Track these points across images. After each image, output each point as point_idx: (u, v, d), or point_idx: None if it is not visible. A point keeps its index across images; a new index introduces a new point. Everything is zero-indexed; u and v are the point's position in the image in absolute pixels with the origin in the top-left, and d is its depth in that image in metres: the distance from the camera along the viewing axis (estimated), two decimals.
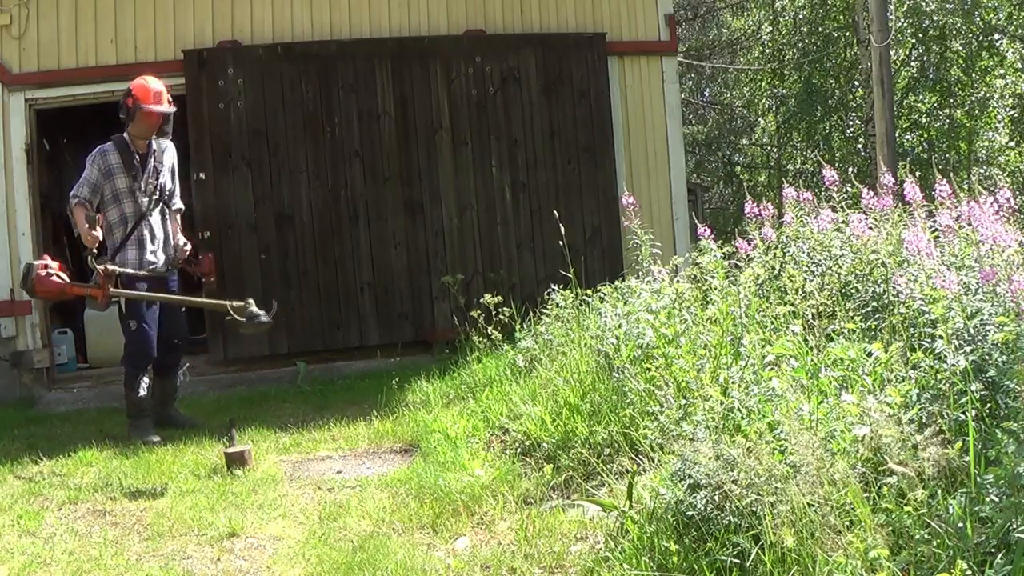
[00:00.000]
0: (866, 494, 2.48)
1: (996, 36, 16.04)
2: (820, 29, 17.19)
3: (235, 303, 5.11)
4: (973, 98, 16.43)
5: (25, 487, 4.32)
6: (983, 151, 17.41)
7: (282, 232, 7.27)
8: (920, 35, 15.85)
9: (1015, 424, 2.37)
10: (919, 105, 16.96)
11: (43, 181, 7.61)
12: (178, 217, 5.52)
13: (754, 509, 2.52)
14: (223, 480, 4.27)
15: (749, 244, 4.27)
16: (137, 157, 5.26)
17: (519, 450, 4.23)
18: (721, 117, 22.48)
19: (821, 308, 3.52)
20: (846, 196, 4.30)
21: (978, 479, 2.33)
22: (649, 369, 3.74)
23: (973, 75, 16.08)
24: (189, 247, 5.55)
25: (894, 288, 3.31)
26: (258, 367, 7.16)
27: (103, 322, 7.79)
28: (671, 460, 2.96)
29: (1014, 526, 2.17)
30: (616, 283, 5.08)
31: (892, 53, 12.91)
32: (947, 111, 16.72)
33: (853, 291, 3.75)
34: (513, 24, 7.86)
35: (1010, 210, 3.00)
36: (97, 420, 5.92)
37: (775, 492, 2.48)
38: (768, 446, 2.67)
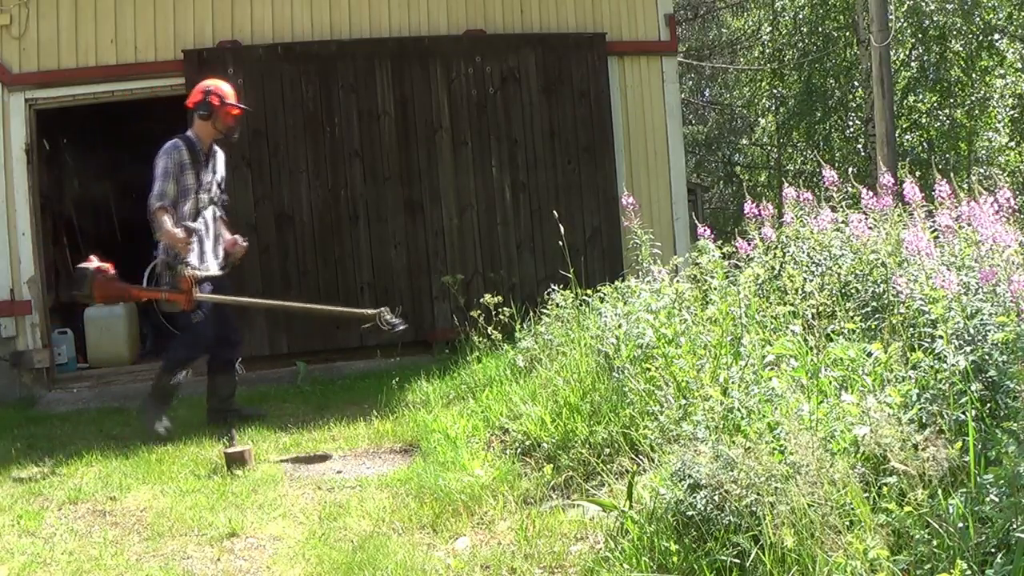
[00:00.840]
0: (866, 494, 2.48)
1: (996, 36, 16.05)
2: (820, 29, 17.20)
3: (369, 311, 5.17)
4: (973, 98, 16.44)
5: (25, 487, 4.32)
6: (983, 151, 17.41)
7: (282, 232, 7.27)
8: (920, 35, 15.86)
9: (1015, 424, 2.37)
10: (919, 105, 16.96)
11: (43, 181, 7.60)
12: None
13: (754, 509, 2.52)
14: (223, 480, 4.27)
15: (749, 244, 4.27)
16: (203, 156, 5.32)
17: (519, 450, 4.23)
18: (721, 117, 22.49)
19: (821, 308, 3.52)
20: (846, 196, 4.30)
21: (978, 479, 2.33)
22: (649, 369, 3.74)
23: (973, 75, 16.09)
24: (246, 243, 5.62)
25: (894, 288, 3.31)
26: (258, 367, 7.15)
27: (103, 322, 7.82)
28: (671, 460, 2.96)
29: (1014, 526, 2.17)
30: (616, 283, 5.08)
31: (892, 53, 12.90)
32: (947, 111, 16.73)
33: (853, 291, 3.76)
34: (513, 24, 7.86)
35: (1010, 210, 3.00)
36: (97, 420, 5.92)
37: (775, 492, 2.48)
38: (768, 446, 2.67)
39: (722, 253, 4.26)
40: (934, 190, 3.39)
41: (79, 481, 4.37)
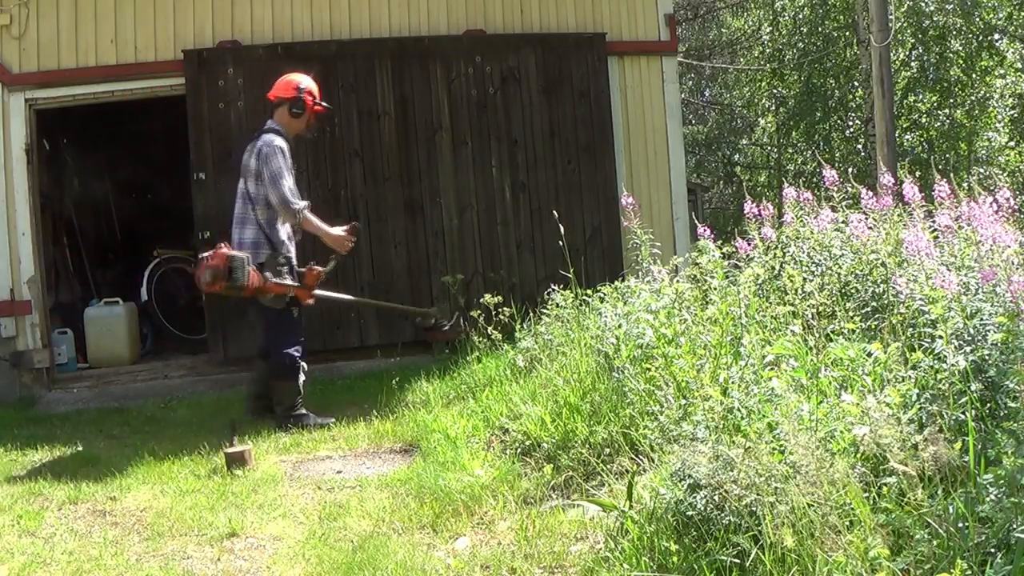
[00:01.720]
0: (866, 494, 2.48)
1: (996, 36, 16.05)
2: (820, 29, 17.21)
3: (432, 310, 5.19)
4: (973, 98, 16.44)
5: (25, 487, 4.32)
6: (983, 151, 17.42)
7: None
8: (920, 35, 15.86)
9: (1015, 424, 2.37)
10: (919, 105, 16.97)
11: (43, 181, 7.60)
12: None
13: (754, 509, 2.52)
14: (223, 480, 4.27)
15: (749, 244, 4.27)
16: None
17: (519, 450, 4.23)
18: (721, 117, 22.48)
19: (821, 308, 3.52)
20: (846, 196, 4.30)
21: (978, 479, 2.33)
22: (649, 369, 3.74)
23: (973, 75, 16.10)
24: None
25: (894, 288, 3.31)
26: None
27: (103, 322, 7.81)
28: (671, 460, 2.96)
29: (1014, 526, 2.17)
30: (616, 283, 5.08)
31: (892, 53, 12.90)
32: (947, 111, 16.73)
33: (853, 291, 3.76)
34: (513, 24, 7.86)
35: (1010, 210, 3.00)
36: (97, 420, 5.92)
37: (775, 492, 2.48)
38: (768, 446, 2.67)
39: (722, 253, 4.26)
40: (934, 190, 3.39)
41: (79, 481, 4.37)
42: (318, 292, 5.36)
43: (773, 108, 19.40)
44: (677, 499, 2.77)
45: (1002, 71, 16.49)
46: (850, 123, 17.33)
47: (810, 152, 17.78)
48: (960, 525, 2.24)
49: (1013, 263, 2.77)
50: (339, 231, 5.39)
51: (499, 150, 7.69)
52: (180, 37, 7.19)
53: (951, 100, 16.47)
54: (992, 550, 2.20)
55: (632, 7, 8.10)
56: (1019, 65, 16.54)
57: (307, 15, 7.45)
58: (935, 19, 15.53)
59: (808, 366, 3.07)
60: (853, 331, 3.27)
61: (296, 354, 5.24)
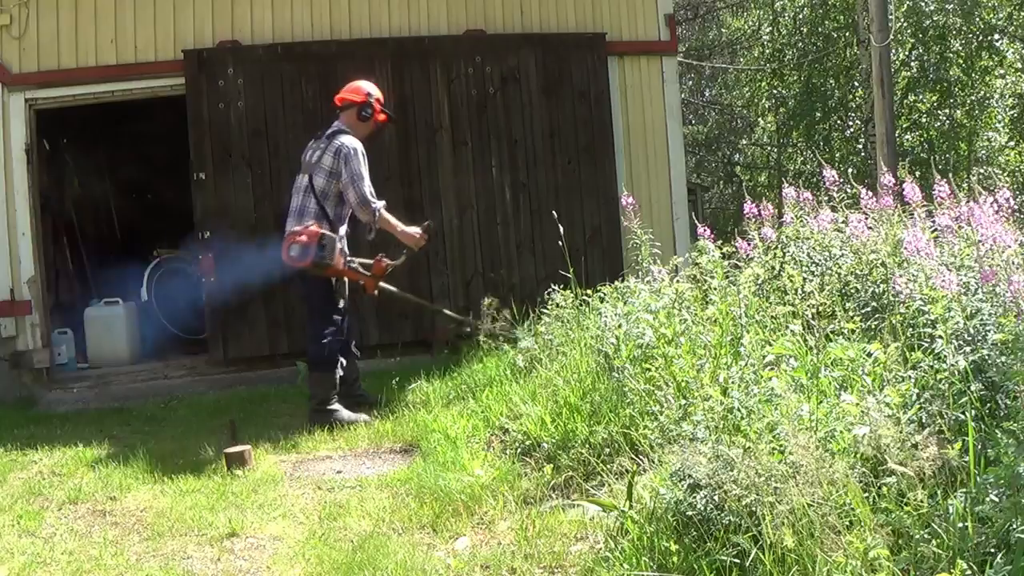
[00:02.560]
0: (866, 494, 2.48)
1: (996, 36, 16.05)
2: (820, 29, 17.21)
3: (468, 318, 5.58)
4: (973, 98, 16.44)
5: (25, 487, 4.32)
6: (983, 151, 17.41)
7: (282, 232, 7.25)
8: (920, 35, 15.86)
9: (1015, 424, 2.37)
10: (919, 105, 16.97)
11: (43, 181, 7.60)
12: None
13: (753, 509, 2.52)
14: (223, 480, 4.27)
15: (749, 244, 4.27)
16: None
17: (519, 450, 4.23)
18: (721, 117, 22.48)
19: (821, 308, 3.52)
20: (846, 196, 4.30)
21: (978, 479, 2.33)
22: (649, 369, 3.74)
23: (973, 75, 16.09)
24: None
25: (894, 288, 3.31)
26: (258, 367, 7.15)
27: (103, 322, 7.81)
28: (671, 460, 2.96)
29: (1014, 526, 2.17)
30: (616, 283, 5.08)
31: (892, 53, 12.90)
32: (947, 111, 16.73)
33: (853, 291, 3.76)
34: (513, 24, 7.86)
35: (1010, 210, 3.00)
36: (97, 420, 5.92)
37: (774, 492, 2.48)
38: (768, 446, 2.67)
39: (722, 253, 4.26)
40: (934, 190, 3.39)
41: (79, 481, 4.37)
42: (383, 285, 5.55)
43: (773, 108, 19.40)
44: (677, 499, 2.77)
45: (1002, 71, 16.50)
46: (850, 123, 17.33)
47: (810, 152, 17.77)
48: (960, 525, 2.24)
49: (1013, 263, 2.77)
50: (414, 229, 5.57)
51: (499, 150, 7.69)
52: (180, 37, 7.19)
53: (951, 100, 16.47)
54: (992, 550, 2.20)
55: (632, 7, 8.10)
56: (1019, 65, 16.54)
57: (307, 15, 7.45)
58: (935, 19, 15.53)
59: (808, 366, 3.07)
60: (853, 331, 3.27)
61: (333, 345, 5.25)
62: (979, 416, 2.62)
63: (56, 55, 7.03)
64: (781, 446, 2.66)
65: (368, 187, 5.29)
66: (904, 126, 16.62)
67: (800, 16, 17.88)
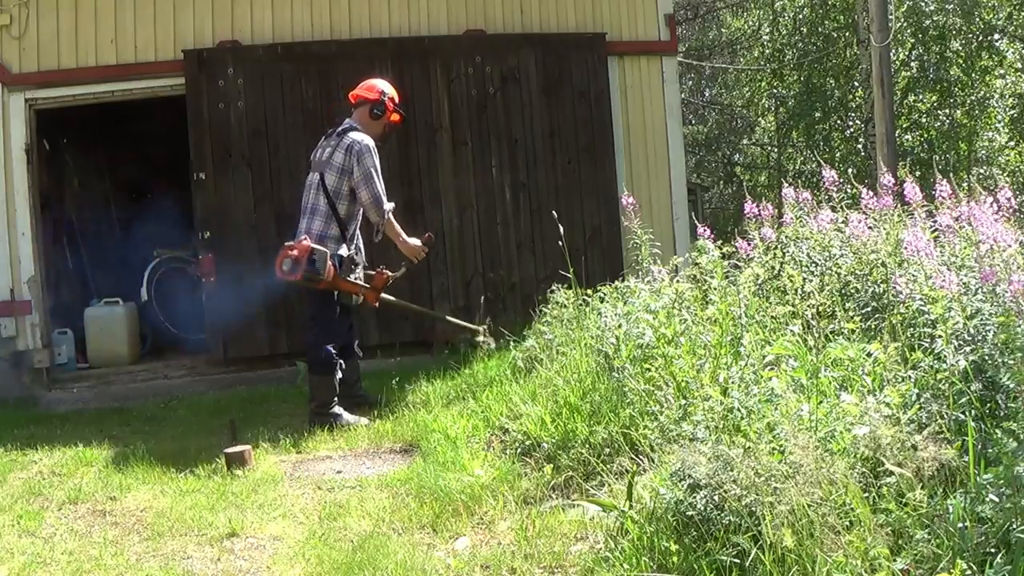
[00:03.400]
0: (866, 494, 2.48)
1: (996, 36, 16.05)
2: (820, 29, 17.21)
3: (478, 327, 5.39)
4: (973, 98, 16.43)
5: (25, 487, 4.33)
6: (983, 151, 17.41)
7: (282, 232, 7.24)
8: (920, 35, 15.86)
9: (1015, 424, 2.37)
10: (919, 105, 16.96)
11: (43, 181, 7.60)
12: None
13: (753, 509, 2.52)
14: (223, 480, 4.27)
15: (749, 244, 4.27)
16: None
17: (519, 450, 4.23)
18: (721, 117, 22.48)
19: (821, 308, 3.52)
20: (846, 196, 4.30)
21: (978, 479, 2.33)
22: (649, 369, 3.74)
23: (973, 75, 16.09)
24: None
25: (894, 288, 3.31)
26: (258, 367, 7.15)
27: (103, 322, 7.81)
28: (671, 460, 2.96)
29: (1014, 526, 2.17)
30: (616, 283, 5.08)
31: (892, 53, 12.90)
32: (947, 111, 16.72)
33: (853, 291, 3.76)
34: (513, 24, 7.86)
35: (1010, 210, 3.00)
36: (97, 420, 5.92)
37: (774, 492, 2.48)
38: (768, 446, 2.67)
39: (722, 253, 4.26)
40: (934, 190, 3.39)
41: (79, 481, 4.37)
42: (384, 296, 5.48)
43: (773, 108, 19.40)
44: (677, 499, 2.77)
45: (1002, 71, 16.49)
46: (850, 123, 17.33)
47: (810, 152, 17.77)
48: (960, 525, 2.24)
49: (1013, 263, 2.77)
50: (415, 241, 5.51)
51: (499, 150, 7.69)
52: (180, 37, 7.19)
53: (951, 100, 16.47)
54: (992, 550, 2.20)
55: (632, 7, 8.10)
56: (1019, 65, 16.54)
57: (307, 15, 7.45)
58: (935, 19, 15.53)
59: (808, 366, 3.07)
60: (853, 331, 3.27)
61: (333, 350, 5.23)
62: (979, 416, 2.62)
63: (56, 55, 7.03)
64: (781, 446, 2.66)
65: (381, 186, 5.26)
66: (904, 126, 16.62)
67: (800, 16, 17.87)
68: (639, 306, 4.25)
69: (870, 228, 3.81)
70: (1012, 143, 17.29)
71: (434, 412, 5.12)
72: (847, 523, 2.42)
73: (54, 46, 7.02)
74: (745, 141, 22.16)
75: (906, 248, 3.22)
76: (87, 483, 4.33)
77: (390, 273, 5.43)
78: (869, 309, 3.60)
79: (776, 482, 2.50)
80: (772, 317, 3.63)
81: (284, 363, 7.09)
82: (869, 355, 2.95)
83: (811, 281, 3.81)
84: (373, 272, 5.47)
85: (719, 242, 4.35)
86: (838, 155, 16.81)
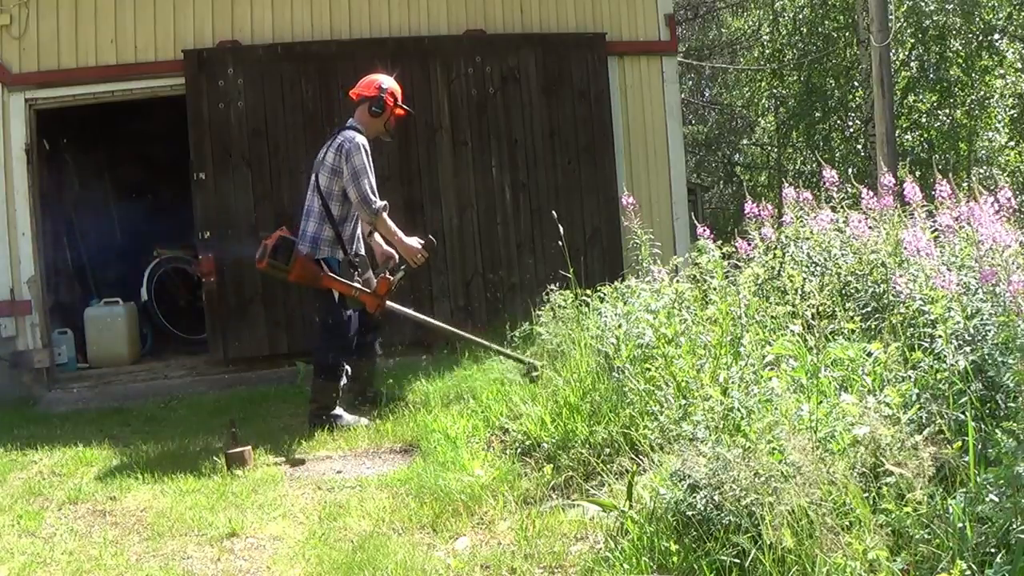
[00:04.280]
0: (866, 494, 2.48)
1: (996, 36, 16.04)
2: (820, 29, 17.20)
3: (533, 362, 5.20)
4: (973, 98, 16.43)
5: (25, 487, 4.33)
6: (983, 151, 17.40)
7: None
8: (920, 35, 15.85)
9: (1015, 424, 2.37)
10: (919, 105, 16.95)
11: (43, 181, 7.60)
12: None
13: (753, 509, 2.52)
14: (223, 480, 4.27)
15: (749, 244, 4.27)
16: None
17: (519, 450, 4.23)
18: (721, 117, 22.47)
19: (821, 308, 3.52)
20: (846, 196, 4.30)
21: (978, 479, 2.33)
22: (649, 369, 3.74)
23: (973, 75, 16.08)
24: None
25: (894, 288, 3.31)
26: (258, 367, 7.16)
27: (103, 322, 7.82)
28: (671, 460, 2.96)
29: (1014, 526, 2.17)
30: (616, 283, 5.08)
31: (892, 53, 12.90)
32: (947, 111, 16.72)
33: (853, 291, 3.75)
34: (513, 24, 7.86)
35: (1010, 210, 3.00)
36: (97, 420, 5.92)
37: (774, 492, 2.48)
38: (768, 446, 2.67)
39: (722, 253, 4.26)
40: (934, 190, 3.39)
41: (79, 481, 4.37)
42: (391, 305, 5.27)
43: (773, 108, 19.39)
44: (677, 499, 2.77)
45: (1002, 71, 16.48)
46: (850, 123, 17.32)
47: (810, 152, 17.77)
48: (960, 525, 2.24)
49: (1013, 263, 2.77)
50: (414, 241, 5.26)
51: (499, 150, 7.69)
52: (180, 37, 7.19)
53: (951, 100, 16.46)
54: (992, 550, 2.20)
55: (632, 7, 8.10)
56: (1019, 65, 16.53)
57: (307, 15, 7.45)
58: (935, 19, 15.52)
59: (808, 366, 3.07)
60: (853, 331, 3.27)
61: (337, 353, 5.18)
62: (979, 416, 2.62)
63: (56, 55, 7.03)
64: (781, 446, 2.66)
65: (369, 184, 5.10)
66: (904, 126, 16.61)
67: (800, 16, 17.87)
68: (639, 306, 4.25)
69: (870, 228, 3.81)
70: (1012, 143, 17.28)
71: (434, 412, 5.12)
72: (847, 523, 2.42)
73: (54, 46, 7.02)
74: (745, 141, 22.15)
75: (906, 248, 3.22)
76: (87, 483, 4.32)
77: (392, 278, 5.23)
78: (869, 309, 3.60)
79: (776, 482, 2.50)
80: (772, 317, 3.63)
81: (284, 363, 7.10)
82: (869, 355, 2.95)
83: (811, 281, 3.80)
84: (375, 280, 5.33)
85: (719, 242, 4.35)
86: (838, 155, 16.80)
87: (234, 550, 3.47)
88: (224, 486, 4.16)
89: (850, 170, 12.92)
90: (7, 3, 6.94)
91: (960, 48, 15.93)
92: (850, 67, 16.66)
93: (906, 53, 16.72)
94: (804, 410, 2.75)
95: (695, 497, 2.70)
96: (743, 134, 22.07)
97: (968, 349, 2.74)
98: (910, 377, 2.81)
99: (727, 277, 4.08)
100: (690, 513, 2.71)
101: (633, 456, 3.51)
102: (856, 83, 16.42)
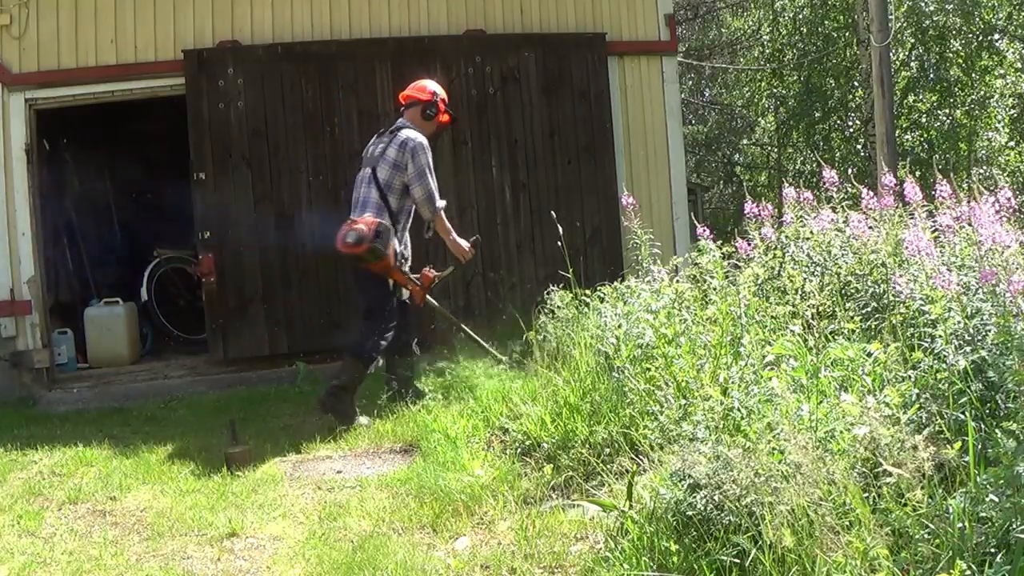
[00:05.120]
0: (866, 494, 2.48)
1: (996, 36, 16.04)
2: (820, 29, 17.20)
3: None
4: (973, 98, 16.43)
5: (25, 487, 4.33)
6: (983, 151, 17.40)
7: (282, 232, 7.26)
8: (920, 35, 15.86)
9: (1015, 424, 2.37)
10: (919, 105, 16.95)
11: (43, 181, 7.60)
12: None
13: (753, 509, 2.52)
14: (223, 480, 4.27)
15: (749, 244, 4.27)
16: None
17: (519, 450, 4.23)
18: (721, 117, 22.47)
19: (821, 308, 3.52)
20: (846, 196, 4.30)
21: (978, 479, 2.33)
22: (649, 369, 3.74)
23: (973, 75, 16.08)
24: None
25: (894, 288, 3.31)
26: (258, 367, 7.15)
27: (103, 322, 7.81)
28: (671, 460, 2.96)
29: (1014, 526, 2.17)
30: (616, 283, 5.08)
31: (892, 53, 12.90)
32: (947, 111, 16.72)
33: (853, 291, 3.76)
34: (513, 24, 7.86)
35: (1010, 210, 3.00)
36: (97, 420, 5.92)
37: (774, 492, 2.48)
38: (768, 446, 2.67)
39: (722, 253, 4.26)
40: (934, 190, 3.39)
41: (79, 481, 4.37)
42: (429, 299, 5.52)
43: (773, 108, 19.39)
44: (677, 499, 2.77)
45: (1002, 71, 16.48)
46: (850, 123, 17.33)
47: (810, 152, 17.77)
48: (960, 525, 2.24)
49: (1013, 263, 2.77)
50: (464, 242, 5.58)
51: (499, 150, 7.69)
52: (180, 37, 7.18)
53: (951, 100, 16.46)
54: (992, 550, 2.20)
55: (632, 7, 8.10)
56: (1019, 65, 16.53)
57: (307, 15, 7.45)
58: (935, 19, 15.52)
59: (808, 366, 3.07)
60: (853, 331, 3.27)
61: (378, 348, 5.24)
62: (979, 416, 2.62)
63: (56, 55, 7.02)
64: (781, 446, 2.66)
65: (434, 183, 5.33)
66: (904, 126, 16.61)
67: (800, 16, 17.86)
68: (639, 306, 4.25)
69: (870, 228, 3.81)
70: (1012, 143, 17.28)
71: (434, 412, 5.12)
72: (847, 523, 2.42)
73: (54, 46, 7.02)
74: (745, 141, 22.14)
75: (906, 248, 3.22)
76: (87, 483, 4.33)
77: (436, 273, 5.48)
78: (869, 309, 3.60)
79: (776, 482, 2.50)
80: (772, 317, 3.63)
81: (284, 363, 7.10)
82: (869, 355, 2.95)
83: (811, 281, 3.81)
84: (417, 275, 5.49)
85: (719, 242, 4.35)
86: (838, 155, 16.81)
87: (234, 550, 3.47)
88: (224, 486, 4.17)
89: (850, 170, 12.92)
90: (7, 3, 6.93)
91: (960, 48, 15.94)
92: (850, 67, 16.66)
93: (906, 53, 16.72)
94: (804, 410, 2.75)
95: (695, 497, 2.70)
96: (743, 134, 22.07)
97: (968, 349, 2.73)
98: (910, 377, 2.81)
99: (727, 277, 4.08)
100: (690, 513, 2.71)
101: (633, 456, 3.52)
102: (856, 83, 16.42)
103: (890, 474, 2.43)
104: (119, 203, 9.98)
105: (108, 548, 3.50)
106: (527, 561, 3.07)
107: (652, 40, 8.15)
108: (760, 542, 2.46)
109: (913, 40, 16.20)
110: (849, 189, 4.33)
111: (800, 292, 3.65)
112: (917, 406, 2.67)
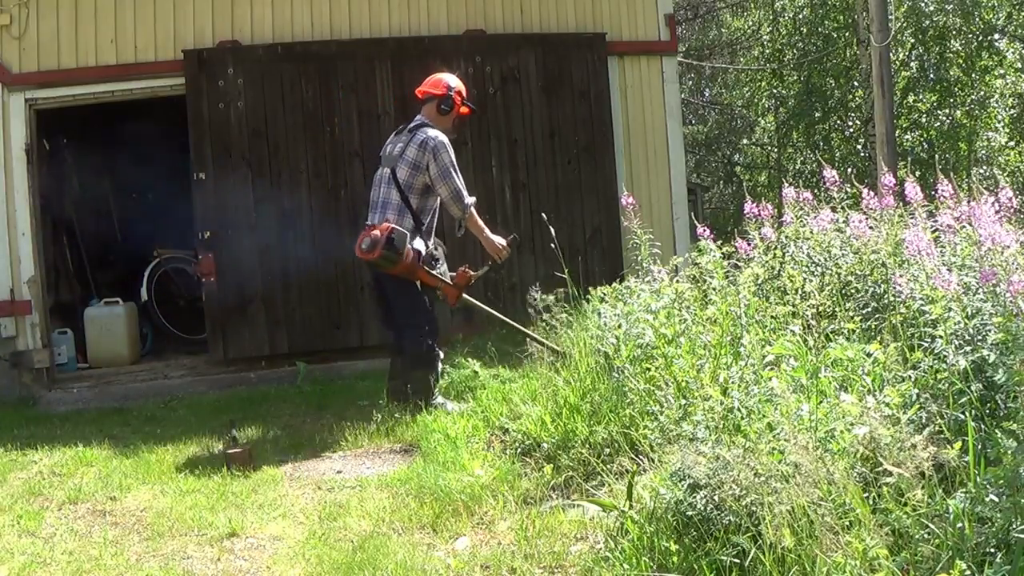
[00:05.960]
0: (866, 494, 2.48)
1: (996, 36, 16.04)
2: (820, 29, 17.20)
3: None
4: (973, 98, 16.43)
5: (25, 487, 4.33)
6: (983, 151, 17.40)
7: (282, 232, 7.26)
8: (920, 35, 15.86)
9: (1015, 424, 2.37)
10: (919, 105, 16.95)
11: (43, 181, 7.60)
12: None
13: (753, 509, 2.52)
14: (223, 480, 4.27)
15: (749, 244, 4.27)
16: None
17: (519, 450, 4.23)
18: (721, 117, 22.47)
19: (821, 308, 3.52)
20: (846, 196, 4.30)
21: (978, 479, 2.33)
22: (649, 369, 3.74)
23: (973, 75, 16.08)
24: None
25: (894, 288, 3.31)
26: (258, 367, 7.16)
27: (103, 322, 7.82)
28: (671, 460, 2.96)
29: (1014, 526, 2.17)
30: (616, 283, 5.08)
31: (892, 53, 12.91)
32: (947, 111, 16.72)
33: (853, 291, 3.75)
34: (513, 24, 7.86)
35: (1010, 210, 3.00)
36: (97, 420, 5.92)
37: (774, 492, 2.48)
38: (768, 446, 2.67)
39: (722, 253, 4.26)
40: (934, 190, 3.39)
41: (79, 481, 4.37)
42: (466, 297, 5.40)
43: (773, 108, 19.39)
44: (677, 499, 2.77)
45: (1002, 71, 16.48)
46: (850, 123, 17.33)
47: (810, 152, 17.77)
48: (960, 525, 2.24)
49: (1013, 263, 2.77)
50: (499, 239, 5.46)
51: (499, 150, 7.69)
52: (180, 37, 7.19)
53: (951, 100, 16.46)
54: (992, 550, 2.20)
55: (632, 7, 8.10)
56: (1019, 65, 16.53)
57: (307, 15, 7.45)
58: (935, 19, 15.52)
59: (808, 366, 3.07)
60: (853, 331, 3.27)
61: (432, 341, 5.18)
62: (979, 416, 2.62)
63: (56, 55, 7.03)
64: (781, 446, 2.66)
65: (460, 180, 5.24)
66: (904, 126, 16.61)
67: (800, 16, 17.87)
68: (639, 306, 4.25)
69: (870, 228, 3.81)
70: (1012, 143, 17.28)
71: (434, 412, 5.12)
72: (846, 523, 2.42)
73: (54, 46, 7.02)
74: (745, 141, 22.14)
75: (906, 248, 3.22)
76: (87, 483, 4.33)
77: (472, 272, 5.36)
78: (869, 309, 3.60)
79: (776, 482, 2.50)
80: (772, 317, 3.63)
81: (284, 363, 7.10)
82: (869, 355, 2.95)
83: (811, 281, 3.81)
84: (454, 272, 5.38)
85: (719, 242, 4.35)
86: (838, 155, 16.80)
87: (234, 550, 3.47)
88: (224, 486, 4.17)
89: (850, 170, 12.93)
90: (7, 3, 6.93)
91: (960, 48, 15.94)
92: (850, 67, 16.66)
93: (906, 53, 16.73)
94: (804, 410, 2.75)
95: (695, 497, 2.70)
96: (743, 134, 22.07)
97: (968, 349, 2.73)
98: (910, 377, 2.81)
99: (727, 277, 4.08)
100: (690, 513, 2.71)
101: (633, 456, 3.52)
102: (856, 83, 16.42)
103: (890, 474, 2.43)
104: (119, 203, 9.98)
105: (108, 548, 3.50)
106: (527, 561, 3.07)
107: (652, 40, 8.15)
108: (760, 542, 2.46)
109: (913, 40, 16.20)
110: (849, 189, 4.33)
111: (800, 292, 3.65)
112: (917, 406, 2.67)
